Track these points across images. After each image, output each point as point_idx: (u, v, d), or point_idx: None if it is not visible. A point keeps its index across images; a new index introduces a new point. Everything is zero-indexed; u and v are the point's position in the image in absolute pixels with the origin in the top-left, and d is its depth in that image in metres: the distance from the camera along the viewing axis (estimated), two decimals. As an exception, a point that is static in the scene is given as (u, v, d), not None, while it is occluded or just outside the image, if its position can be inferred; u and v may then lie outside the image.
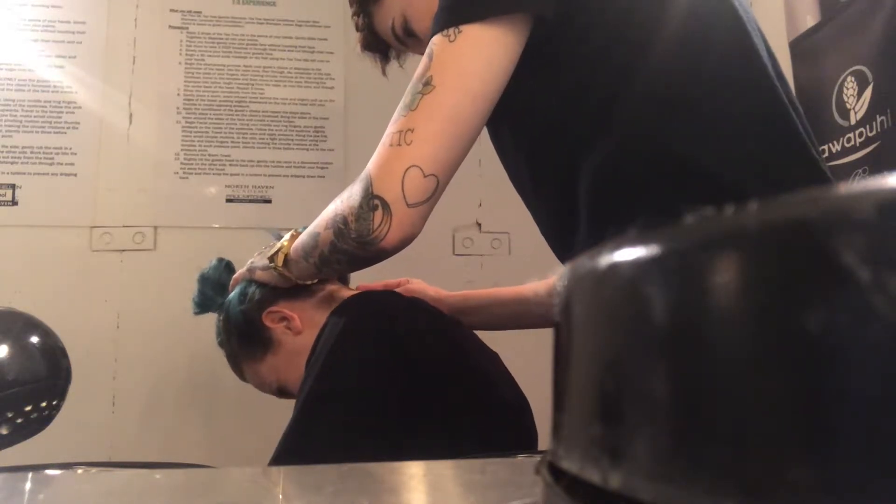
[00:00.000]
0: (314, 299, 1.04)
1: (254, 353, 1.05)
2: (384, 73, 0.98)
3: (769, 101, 0.73)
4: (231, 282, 1.08)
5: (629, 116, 0.72)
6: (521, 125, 0.80)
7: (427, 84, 0.70)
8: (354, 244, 0.74)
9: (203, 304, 1.11)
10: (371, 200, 0.71)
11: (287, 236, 0.93)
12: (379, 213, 0.70)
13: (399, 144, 0.70)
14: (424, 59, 0.72)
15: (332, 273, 0.91)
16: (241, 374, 1.11)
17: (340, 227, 0.75)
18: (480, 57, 0.70)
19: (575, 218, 0.77)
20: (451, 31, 0.70)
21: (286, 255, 0.92)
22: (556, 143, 0.77)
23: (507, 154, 0.86)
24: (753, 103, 0.72)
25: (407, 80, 0.76)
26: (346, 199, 0.75)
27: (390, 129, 0.72)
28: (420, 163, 0.69)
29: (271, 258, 0.94)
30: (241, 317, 1.04)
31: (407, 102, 0.71)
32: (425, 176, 0.70)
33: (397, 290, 1.12)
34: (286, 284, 0.98)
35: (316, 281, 1.04)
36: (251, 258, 1.05)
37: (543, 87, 0.75)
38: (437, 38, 0.71)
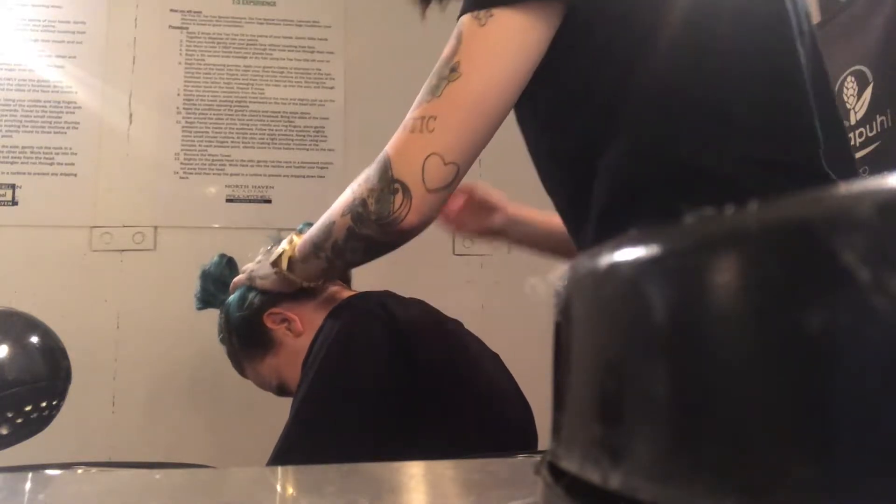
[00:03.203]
0: (315, 301, 1.04)
1: (254, 353, 1.05)
2: (423, 16, 0.90)
3: (779, 98, 0.69)
4: (231, 286, 1.08)
5: (633, 116, 0.70)
6: (534, 122, 0.79)
7: (454, 70, 0.68)
8: (374, 227, 0.72)
9: (205, 300, 1.11)
10: (392, 184, 0.70)
11: (287, 240, 0.92)
12: (399, 196, 0.69)
13: (421, 131, 0.68)
14: (452, 40, 0.70)
15: (343, 266, 0.88)
16: (241, 371, 1.11)
17: (359, 210, 0.73)
18: (510, 45, 0.67)
19: (587, 214, 0.75)
20: (482, 13, 0.67)
21: (290, 258, 0.91)
22: (568, 141, 0.76)
23: (527, 140, 0.84)
24: (762, 100, 0.69)
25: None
26: (362, 183, 0.74)
27: (413, 112, 0.70)
28: (441, 151, 0.68)
29: (274, 262, 0.93)
30: (240, 320, 1.04)
31: (432, 87, 0.70)
32: (446, 164, 0.69)
33: (466, 196, 1.06)
34: (289, 289, 0.97)
35: (319, 282, 1.04)
36: (249, 265, 1.04)
37: (549, 85, 0.73)
38: (466, 19, 0.69)
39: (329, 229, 0.79)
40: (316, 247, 0.83)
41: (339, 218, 0.77)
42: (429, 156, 0.68)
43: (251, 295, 1.04)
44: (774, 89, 0.70)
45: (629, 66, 0.70)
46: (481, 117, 0.68)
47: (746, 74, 0.69)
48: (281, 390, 1.06)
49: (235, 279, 1.07)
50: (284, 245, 0.92)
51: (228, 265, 1.13)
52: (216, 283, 1.10)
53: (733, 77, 0.69)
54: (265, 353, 1.04)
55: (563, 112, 0.75)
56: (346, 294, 1.05)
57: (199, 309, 1.12)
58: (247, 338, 1.05)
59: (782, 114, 0.70)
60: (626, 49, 0.70)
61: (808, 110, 0.70)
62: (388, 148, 0.72)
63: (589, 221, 0.75)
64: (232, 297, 1.06)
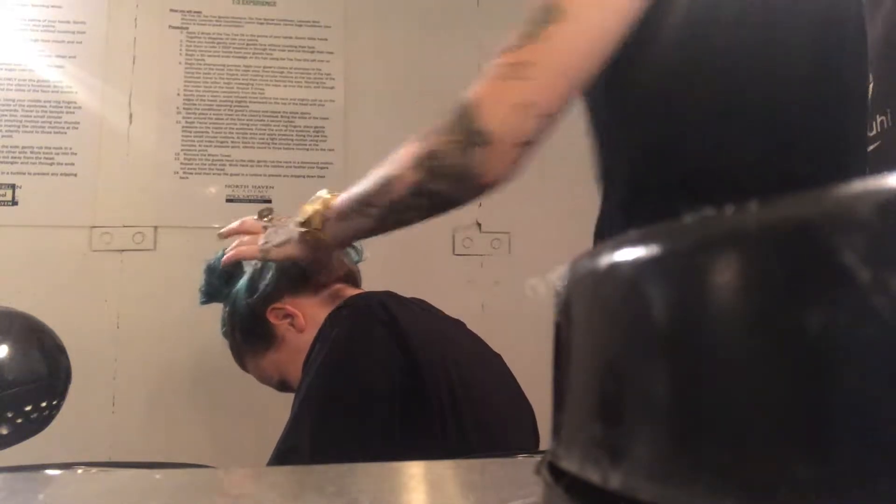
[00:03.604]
0: (319, 297, 1.05)
1: (256, 347, 1.06)
2: None
3: (784, 97, 0.66)
4: (227, 257, 0.98)
5: (640, 110, 0.68)
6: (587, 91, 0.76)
7: (553, 12, 0.61)
8: (449, 182, 0.66)
9: (209, 294, 1.11)
10: (474, 135, 0.63)
11: (321, 196, 0.84)
12: (482, 149, 0.63)
13: (513, 78, 0.62)
14: None
15: (393, 226, 0.78)
16: (243, 366, 1.12)
17: (431, 163, 0.66)
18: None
19: (610, 197, 0.74)
20: None
21: (323, 215, 0.82)
22: (593, 120, 0.74)
23: None
24: (765, 97, 0.65)
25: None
26: (434, 135, 0.67)
27: (502, 59, 0.63)
28: (535, 101, 0.62)
29: (304, 223, 0.84)
30: (246, 310, 1.05)
31: (527, 32, 0.62)
32: (538, 115, 0.62)
33: None
34: (312, 255, 0.89)
35: (324, 280, 1.04)
36: (250, 237, 0.96)
37: None
38: None
39: (386, 184, 0.72)
40: (363, 203, 0.75)
41: (401, 171, 0.70)
42: (520, 105, 0.62)
43: (262, 282, 1.04)
44: (782, 86, 0.66)
45: (633, 62, 0.66)
46: (580, 70, 0.62)
47: (751, 69, 0.66)
48: (282, 386, 1.07)
49: (237, 252, 0.96)
50: (316, 205, 0.84)
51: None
52: (220, 277, 1.11)
53: (734, 72, 0.65)
54: (267, 348, 1.05)
55: (592, 90, 0.71)
56: (351, 292, 1.05)
57: (203, 303, 1.12)
58: (250, 332, 1.05)
59: (788, 118, 0.66)
60: (630, 44, 0.65)
61: (826, 116, 0.66)
62: (471, 96, 0.65)
63: (612, 206, 0.73)
64: (240, 284, 1.06)
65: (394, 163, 0.71)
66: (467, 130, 0.63)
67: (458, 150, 0.64)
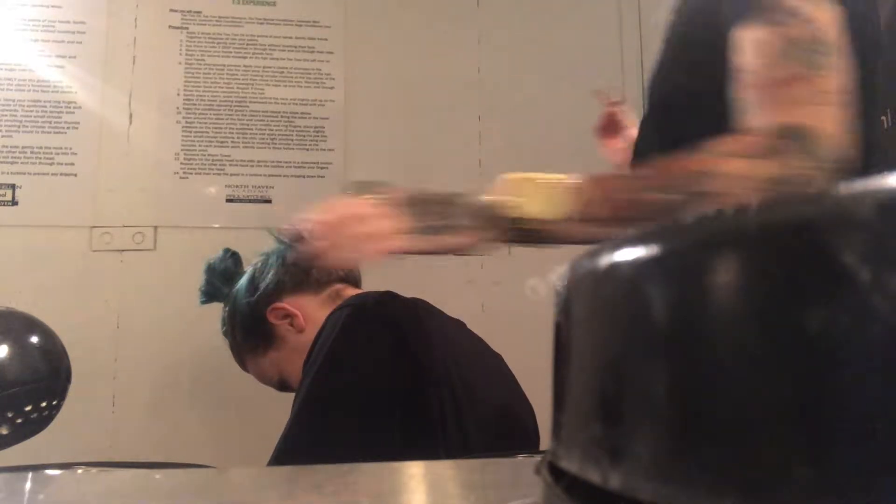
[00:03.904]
0: (319, 297, 1.05)
1: (256, 346, 1.06)
2: None
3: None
4: (389, 247, 0.68)
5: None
6: None
7: (825, 45, 0.65)
8: None
9: (209, 294, 1.12)
10: (828, 162, 0.62)
11: (567, 180, 0.65)
12: (829, 176, 0.62)
13: (835, 105, 0.64)
14: (787, 18, 0.66)
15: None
16: (243, 366, 1.12)
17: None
18: (837, 28, 0.65)
19: None
20: None
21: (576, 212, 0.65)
22: None
23: None
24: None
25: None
26: (776, 159, 0.62)
27: (808, 86, 0.64)
28: (852, 127, 0.64)
29: (547, 218, 0.64)
30: (246, 309, 1.05)
31: (813, 61, 0.64)
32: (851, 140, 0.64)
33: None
34: (479, 250, 0.68)
35: (324, 279, 1.04)
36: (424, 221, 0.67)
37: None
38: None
39: (706, 202, 0.62)
40: (658, 212, 0.63)
41: (737, 192, 0.62)
42: (848, 131, 0.63)
43: (262, 283, 1.04)
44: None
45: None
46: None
47: None
48: (282, 385, 1.07)
49: (390, 245, 0.67)
50: (570, 179, 0.65)
51: (232, 259, 1.14)
52: (220, 277, 1.11)
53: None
54: (267, 348, 1.05)
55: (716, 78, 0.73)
56: (351, 292, 1.05)
57: (203, 303, 1.13)
58: (249, 331, 1.05)
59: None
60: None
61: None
62: (809, 122, 0.63)
63: None
64: (240, 284, 1.07)
65: (715, 177, 0.63)
66: (823, 157, 0.62)
67: (817, 178, 0.62)
